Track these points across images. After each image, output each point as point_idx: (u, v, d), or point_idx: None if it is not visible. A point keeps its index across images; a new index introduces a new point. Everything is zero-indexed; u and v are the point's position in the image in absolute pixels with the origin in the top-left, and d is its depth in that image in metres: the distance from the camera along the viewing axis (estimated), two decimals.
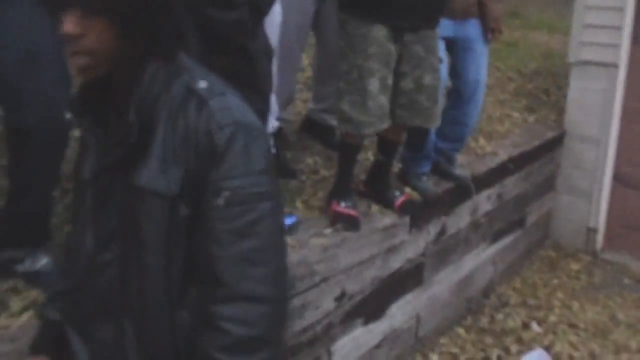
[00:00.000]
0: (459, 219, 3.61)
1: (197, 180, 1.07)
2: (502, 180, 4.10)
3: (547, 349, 3.52)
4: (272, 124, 3.00)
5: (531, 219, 4.78)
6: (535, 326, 3.83)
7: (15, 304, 1.90)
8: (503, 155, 4.15)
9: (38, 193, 2.03)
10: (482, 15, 3.14)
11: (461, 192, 3.51)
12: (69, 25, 1.01)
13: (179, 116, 1.08)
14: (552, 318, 3.97)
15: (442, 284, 3.56)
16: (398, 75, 2.62)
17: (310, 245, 2.54)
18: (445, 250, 3.54)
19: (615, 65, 4.85)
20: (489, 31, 3.20)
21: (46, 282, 1.97)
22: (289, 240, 2.50)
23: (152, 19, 1.06)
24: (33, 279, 2.01)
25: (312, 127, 3.46)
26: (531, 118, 5.34)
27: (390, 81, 2.58)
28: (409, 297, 3.25)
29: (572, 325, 3.91)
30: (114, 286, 1.14)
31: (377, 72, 2.52)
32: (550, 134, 5.00)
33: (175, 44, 1.13)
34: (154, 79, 1.08)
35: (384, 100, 2.56)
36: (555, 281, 4.56)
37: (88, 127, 1.19)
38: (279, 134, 3.15)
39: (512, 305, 4.11)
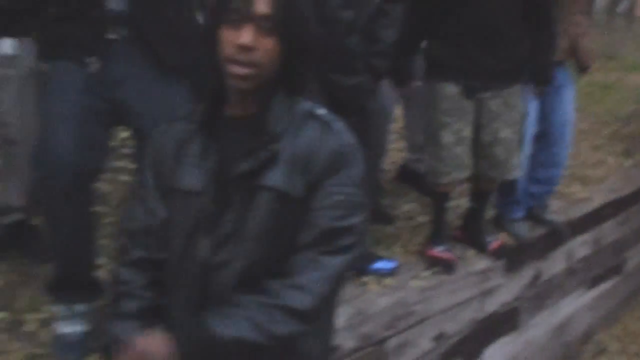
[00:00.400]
0: (554, 264, 3.60)
1: (313, 186, 1.20)
2: (597, 226, 4.03)
3: None
4: None
5: (631, 264, 4.64)
6: None
7: None
8: (598, 201, 4.08)
9: None
10: (576, 54, 3.16)
11: (555, 237, 3.50)
12: (246, 37, 1.12)
13: (299, 134, 1.21)
14: None
15: (538, 328, 3.54)
16: (478, 127, 2.73)
17: (408, 287, 2.65)
18: (540, 295, 3.52)
19: None
20: (584, 69, 3.24)
21: None
22: (389, 281, 2.64)
23: (307, 50, 1.23)
24: None
25: (407, 176, 3.59)
26: (627, 163, 5.20)
27: (466, 133, 2.68)
28: (505, 340, 3.27)
29: None
30: (229, 285, 1.22)
31: (449, 125, 2.64)
32: None
33: (306, 81, 1.30)
34: (280, 101, 1.23)
35: (459, 151, 2.67)
36: None
37: (203, 142, 1.25)
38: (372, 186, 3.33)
39: (611, 352, 4.02)
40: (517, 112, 2.80)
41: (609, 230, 4.21)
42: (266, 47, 1.15)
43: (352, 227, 1.22)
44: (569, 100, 3.28)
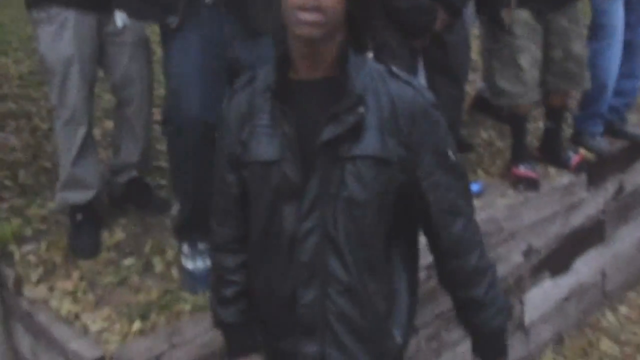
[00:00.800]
0: (637, 176, 3.56)
1: (412, 148, 1.17)
2: None
3: None
4: None
5: None
6: None
7: None
8: None
9: None
10: None
11: (636, 149, 3.46)
12: None
13: (381, 92, 1.16)
14: None
15: (625, 240, 3.54)
16: (547, 46, 2.78)
17: (496, 205, 2.73)
18: (625, 207, 3.51)
19: None
20: None
21: None
22: (477, 201, 2.73)
23: (367, 6, 1.18)
24: None
25: (482, 105, 3.63)
26: None
27: (539, 56, 2.75)
28: (592, 254, 3.29)
29: None
30: (317, 252, 1.19)
31: (526, 49, 2.70)
32: None
33: (368, 39, 1.25)
34: (354, 61, 1.16)
35: (535, 73, 2.75)
36: None
37: (277, 108, 1.19)
38: None
39: None
40: (581, 25, 2.87)
41: None
42: None
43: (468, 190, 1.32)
44: None
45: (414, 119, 1.17)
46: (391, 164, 1.16)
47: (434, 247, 1.31)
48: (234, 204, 1.30)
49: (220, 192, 1.33)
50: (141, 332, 1.89)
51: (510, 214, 2.74)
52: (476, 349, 1.40)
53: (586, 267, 3.26)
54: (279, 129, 1.17)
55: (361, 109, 1.13)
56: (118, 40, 2.38)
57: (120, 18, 2.32)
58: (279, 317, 1.28)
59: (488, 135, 3.44)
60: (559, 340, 3.11)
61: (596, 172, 3.20)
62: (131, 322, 1.92)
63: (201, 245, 2.21)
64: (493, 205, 2.73)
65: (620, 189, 3.44)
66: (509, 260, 2.76)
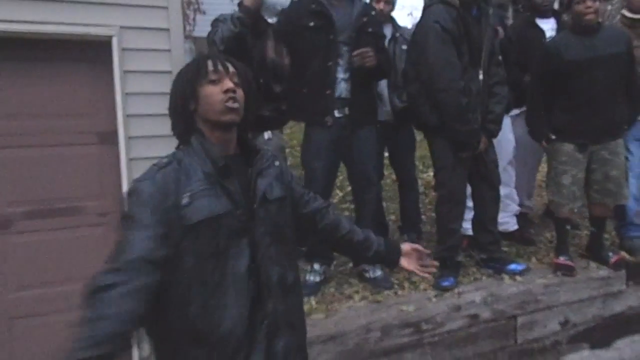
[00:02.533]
0: None
1: (287, 186, 1.55)
2: None
3: None
4: (514, 210, 3.82)
5: None
6: None
7: None
8: None
9: None
10: None
11: None
12: (230, 84, 1.41)
13: (272, 161, 1.54)
14: None
15: None
16: (590, 171, 3.27)
17: (534, 283, 3.19)
18: None
19: None
20: None
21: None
22: (521, 278, 3.21)
23: (256, 102, 1.53)
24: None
25: (550, 212, 4.08)
26: None
27: (580, 176, 3.24)
28: (637, 338, 3.47)
29: None
30: (274, 277, 1.42)
31: (568, 172, 3.23)
32: None
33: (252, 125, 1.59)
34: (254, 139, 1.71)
35: (574, 189, 3.24)
36: None
37: (222, 176, 1.40)
38: (524, 217, 3.93)
39: None
40: (621, 157, 3.30)
41: None
42: (239, 92, 1.45)
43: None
44: None
45: (287, 176, 1.59)
46: (285, 198, 1.53)
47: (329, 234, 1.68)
48: (158, 260, 1.27)
49: (140, 248, 1.26)
50: None
51: (546, 291, 3.17)
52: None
53: (629, 348, 3.42)
54: (221, 190, 1.36)
55: (277, 162, 1.53)
56: (265, 146, 3.32)
57: (267, 134, 3.24)
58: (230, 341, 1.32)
59: (551, 235, 3.87)
60: None
61: (636, 270, 3.47)
62: None
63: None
64: (532, 282, 3.19)
65: None
66: (546, 325, 3.16)
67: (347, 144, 3.00)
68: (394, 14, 3.70)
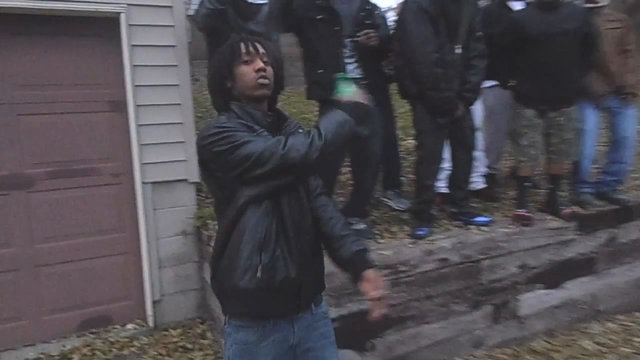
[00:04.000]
0: (629, 233, 3.82)
1: None
2: None
3: None
4: (482, 171, 3.95)
5: None
6: None
7: None
8: None
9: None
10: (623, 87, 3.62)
11: (626, 211, 3.79)
12: (261, 64, 1.50)
13: (297, 128, 1.59)
14: None
15: (617, 277, 3.78)
16: (549, 135, 3.40)
17: (497, 231, 3.31)
18: (617, 253, 3.76)
19: None
20: (628, 96, 3.66)
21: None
22: (486, 228, 3.34)
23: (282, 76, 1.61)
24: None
25: (513, 174, 4.22)
26: None
27: (537, 139, 3.37)
28: (584, 280, 3.62)
29: None
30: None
31: (527, 134, 3.36)
32: None
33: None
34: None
35: (532, 150, 3.37)
36: None
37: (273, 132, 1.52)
38: (491, 177, 4.06)
39: None
40: (574, 122, 3.46)
41: None
42: (269, 70, 1.53)
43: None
44: (628, 119, 3.72)
45: None
46: None
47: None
48: None
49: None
50: None
51: (508, 239, 3.29)
52: None
53: (578, 288, 3.61)
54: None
55: (300, 130, 1.56)
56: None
57: None
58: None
59: (513, 193, 4.00)
60: (550, 334, 3.47)
61: (586, 222, 3.61)
62: None
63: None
64: (495, 231, 3.32)
65: (612, 239, 3.76)
66: (505, 268, 3.31)
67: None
68: None
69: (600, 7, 3.62)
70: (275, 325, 1.50)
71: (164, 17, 3.32)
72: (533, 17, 3.29)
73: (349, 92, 1.60)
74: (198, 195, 3.69)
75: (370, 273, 1.52)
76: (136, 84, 3.27)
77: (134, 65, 3.26)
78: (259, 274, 1.43)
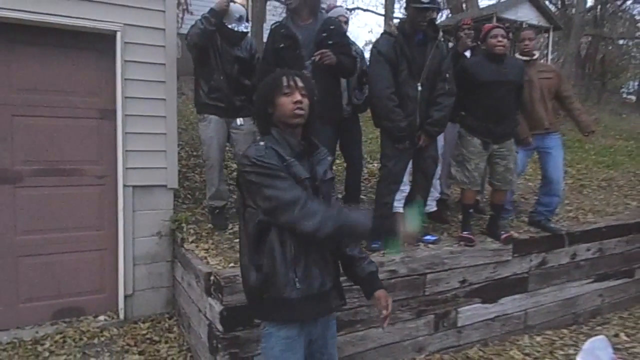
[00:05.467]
0: (559, 258, 3.99)
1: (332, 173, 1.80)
2: (601, 240, 4.29)
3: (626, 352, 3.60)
4: (435, 196, 4.07)
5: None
6: (623, 336, 3.89)
7: None
8: (601, 224, 4.40)
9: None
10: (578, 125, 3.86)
11: (557, 239, 3.97)
12: (298, 96, 1.60)
13: (326, 156, 1.74)
14: None
15: (547, 296, 3.93)
16: (493, 163, 3.55)
17: (442, 249, 3.43)
18: (548, 274, 3.92)
19: None
20: (588, 134, 3.92)
21: None
22: (433, 246, 3.45)
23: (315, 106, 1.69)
24: None
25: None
26: None
27: (481, 166, 3.51)
28: (518, 297, 3.75)
29: None
30: None
31: (473, 160, 3.50)
32: None
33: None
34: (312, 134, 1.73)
35: (476, 174, 3.51)
36: None
37: (306, 158, 1.65)
38: (443, 202, 4.19)
39: (612, 323, 4.16)
40: (514, 154, 3.63)
41: (615, 245, 4.42)
42: (305, 101, 1.63)
43: None
44: (558, 160, 3.91)
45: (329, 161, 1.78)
46: (334, 179, 1.82)
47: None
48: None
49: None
50: (233, 267, 2.85)
51: (451, 257, 3.40)
52: None
53: (511, 304, 3.73)
54: (304, 164, 1.62)
55: (329, 158, 1.74)
56: (237, 130, 3.45)
57: (239, 120, 3.42)
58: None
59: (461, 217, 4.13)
60: (484, 344, 3.57)
61: (522, 246, 3.76)
62: (228, 263, 2.89)
63: None
64: (441, 249, 3.43)
65: (544, 262, 3.91)
66: (448, 282, 3.40)
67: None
68: (360, 30, 3.86)
69: (535, 59, 3.86)
70: (308, 323, 1.66)
71: (156, 38, 3.39)
72: (483, 66, 3.48)
73: (413, 226, 1.64)
74: (175, 200, 3.72)
75: (381, 293, 1.77)
76: (126, 96, 3.32)
77: (126, 79, 3.31)
78: (298, 285, 1.57)
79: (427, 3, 3.12)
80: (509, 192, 3.86)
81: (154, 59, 3.37)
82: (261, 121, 1.68)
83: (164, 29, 3.40)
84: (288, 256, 1.56)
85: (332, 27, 3.21)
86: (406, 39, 3.27)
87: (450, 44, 4.10)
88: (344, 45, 3.28)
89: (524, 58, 3.82)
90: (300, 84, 1.63)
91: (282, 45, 3.13)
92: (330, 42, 3.16)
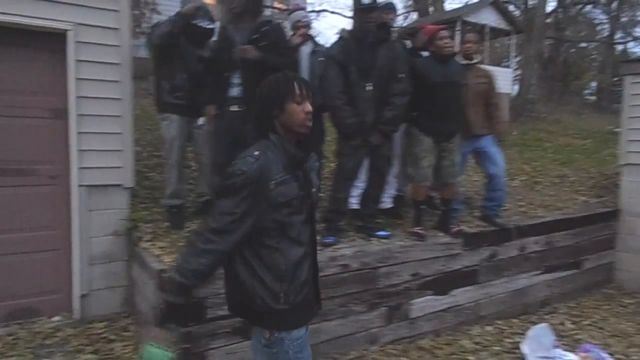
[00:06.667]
0: (509, 250, 4.17)
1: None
2: (549, 233, 4.49)
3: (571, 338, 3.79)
4: (392, 193, 4.18)
5: (588, 264, 4.93)
6: (569, 324, 4.09)
7: None
8: (549, 218, 4.61)
9: None
10: (494, 133, 4.04)
11: (506, 233, 4.14)
12: (310, 107, 1.59)
13: (316, 160, 1.78)
14: (585, 322, 4.16)
15: (497, 287, 4.09)
16: (440, 158, 3.68)
17: (394, 244, 3.54)
18: (498, 267, 4.09)
19: None
20: (501, 140, 4.11)
21: None
22: (385, 241, 3.55)
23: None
24: None
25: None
26: (594, 201, 5.56)
27: (432, 162, 3.64)
28: (469, 289, 3.90)
29: (600, 328, 4.04)
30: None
31: (426, 157, 3.62)
32: (602, 209, 5.22)
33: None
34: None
35: (428, 170, 3.63)
36: (606, 307, 4.61)
37: (301, 167, 1.64)
38: (400, 199, 4.30)
39: (560, 312, 4.37)
40: (458, 150, 3.77)
41: (562, 238, 4.63)
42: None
43: None
44: (493, 154, 4.06)
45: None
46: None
47: None
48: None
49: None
50: None
51: (403, 250, 3.51)
52: None
53: (463, 296, 3.88)
54: (294, 178, 1.58)
55: (317, 163, 1.78)
56: (199, 129, 3.53)
57: (201, 119, 3.50)
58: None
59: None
60: (437, 334, 3.70)
61: (471, 240, 3.92)
62: None
63: None
64: (393, 244, 3.54)
65: (493, 255, 4.08)
66: (400, 275, 3.52)
67: (242, 134, 3.13)
68: (328, 32, 3.93)
69: (474, 63, 4.02)
70: None
71: (110, 38, 3.39)
72: (433, 67, 3.61)
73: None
74: (134, 199, 3.72)
75: None
76: (79, 95, 3.31)
77: (78, 78, 3.30)
78: (301, 289, 1.63)
79: (368, 4, 3.23)
80: (458, 189, 3.99)
81: (108, 58, 3.37)
82: (261, 122, 1.62)
83: (118, 29, 3.40)
84: (282, 270, 1.59)
85: (264, 28, 3.24)
86: (356, 42, 3.38)
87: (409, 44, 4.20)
88: (279, 47, 3.30)
89: (464, 61, 3.97)
90: (310, 93, 1.61)
91: (220, 47, 3.21)
92: (262, 43, 3.20)
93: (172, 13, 3.43)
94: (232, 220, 1.50)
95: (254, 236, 1.55)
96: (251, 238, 1.55)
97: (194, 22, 3.38)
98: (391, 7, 4.06)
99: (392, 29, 3.66)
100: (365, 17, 3.31)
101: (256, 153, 1.54)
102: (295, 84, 1.58)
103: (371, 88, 3.37)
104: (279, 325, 1.63)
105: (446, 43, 3.58)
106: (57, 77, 3.33)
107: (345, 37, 3.45)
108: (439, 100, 3.58)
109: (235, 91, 3.21)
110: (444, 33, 3.56)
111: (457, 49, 3.88)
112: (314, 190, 1.70)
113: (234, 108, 3.20)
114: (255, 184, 1.49)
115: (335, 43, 3.48)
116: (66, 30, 3.22)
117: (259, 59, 3.13)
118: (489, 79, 4.03)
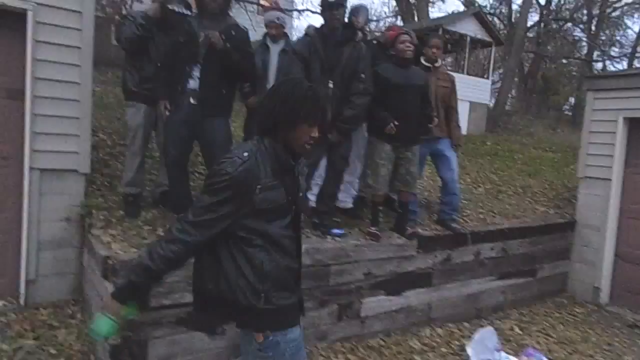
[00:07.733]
0: (463, 255, 4.26)
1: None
2: (504, 240, 4.61)
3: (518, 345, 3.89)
4: (353, 194, 4.22)
5: (543, 273, 5.08)
6: (517, 329, 4.20)
7: None
8: (505, 226, 4.73)
9: None
10: (451, 136, 4.13)
11: (460, 237, 4.24)
12: (317, 133, 1.60)
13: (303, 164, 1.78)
14: (534, 328, 4.28)
15: (451, 291, 4.18)
16: (397, 166, 3.73)
17: (348, 243, 3.57)
18: (452, 270, 4.17)
19: (609, 179, 5.23)
20: (455, 146, 4.20)
21: None
22: (339, 239, 3.60)
23: None
24: None
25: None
26: (552, 211, 5.71)
27: (390, 169, 3.70)
28: (421, 291, 3.96)
29: (547, 335, 4.16)
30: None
31: (385, 165, 3.67)
32: (560, 220, 5.37)
33: None
34: None
35: (387, 178, 3.69)
36: (557, 315, 4.74)
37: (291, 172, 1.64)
38: (361, 199, 4.35)
39: (511, 318, 4.48)
40: (417, 155, 3.82)
41: (517, 246, 4.75)
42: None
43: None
44: (452, 161, 4.17)
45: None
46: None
47: None
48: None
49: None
50: (135, 252, 2.89)
51: (356, 250, 3.55)
52: None
53: (415, 298, 3.94)
54: (282, 183, 1.58)
55: (305, 168, 1.79)
56: (163, 119, 3.54)
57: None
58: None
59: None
60: (387, 334, 3.75)
61: (426, 242, 3.99)
62: (131, 248, 2.92)
63: None
64: (347, 243, 3.57)
65: (447, 259, 4.17)
66: (352, 274, 3.56)
67: (199, 127, 3.18)
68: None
69: (437, 67, 4.11)
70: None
71: (72, 20, 3.36)
72: (394, 70, 3.67)
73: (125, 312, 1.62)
74: (91, 186, 3.69)
75: None
76: (36, 76, 3.27)
77: (36, 59, 3.26)
78: (283, 293, 1.61)
79: (334, 1, 3.29)
80: (414, 193, 4.06)
81: (68, 41, 3.34)
82: (266, 122, 1.60)
83: (80, 12, 3.37)
84: (275, 273, 1.59)
85: (232, 32, 3.23)
86: (322, 39, 3.42)
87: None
88: (243, 51, 3.29)
89: (427, 64, 4.05)
90: (325, 120, 1.64)
91: (182, 39, 3.19)
92: (228, 43, 3.19)
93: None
94: (211, 218, 1.51)
95: (240, 235, 1.55)
96: (237, 236, 1.55)
97: (171, 7, 3.39)
98: (360, 11, 4.12)
99: (360, 31, 3.69)
100: (331, 14, 3.35)
101: (245, 154, 1.52)
102: (319, 109, 1.59)
103: (332, 86, 3.41)
104: (273, 325, 1.59)
105: (407, 47, 3.64)
106: (15, 57, 3.28)
107: (310, 34, 3.49)
108: (399, 103, 3.64)
109: (193, 83, 3.18)
110: (405, 37, 3.63)
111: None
112: (301, 195, 1.71)
113: (193, 101, 3.18)
114: (239, 187, 1.48)
115: (301, 39, 3.52)
116: (26, 10, 3.18)
117: (224, 50, 3.13)
118: (451, 84, 4.13)
